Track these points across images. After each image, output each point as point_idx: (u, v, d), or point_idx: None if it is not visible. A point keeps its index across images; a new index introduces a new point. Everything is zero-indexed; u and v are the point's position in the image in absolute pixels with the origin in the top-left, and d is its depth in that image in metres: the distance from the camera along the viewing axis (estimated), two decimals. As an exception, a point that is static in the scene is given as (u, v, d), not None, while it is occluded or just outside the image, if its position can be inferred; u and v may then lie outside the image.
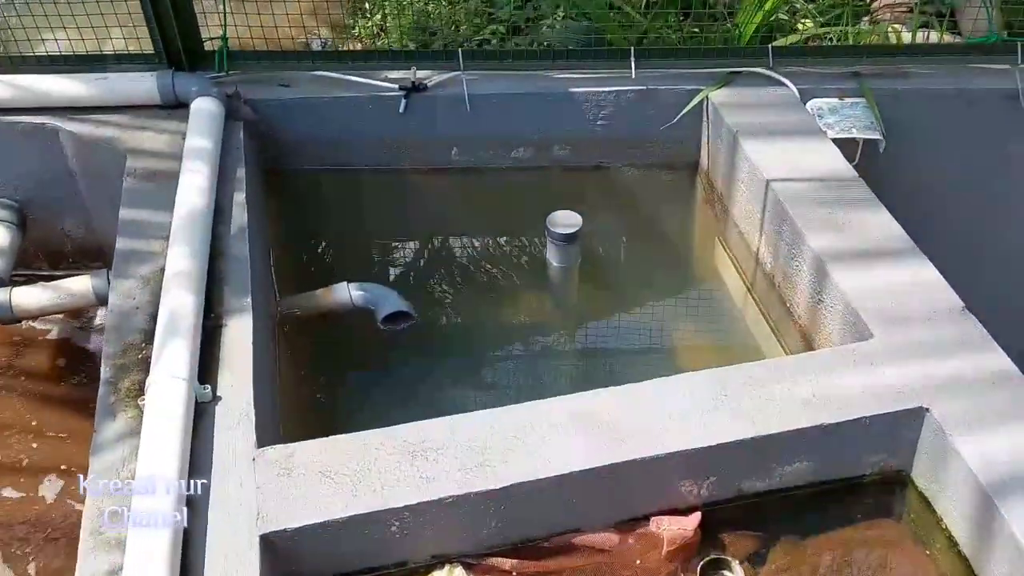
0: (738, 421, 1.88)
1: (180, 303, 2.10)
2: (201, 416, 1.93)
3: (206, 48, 3.02)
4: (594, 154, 3.19)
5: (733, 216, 2.91)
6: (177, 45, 2.94)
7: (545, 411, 1.91)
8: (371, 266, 3.17)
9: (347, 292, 2.68)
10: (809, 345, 2.45)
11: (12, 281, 2.85)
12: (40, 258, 3.32)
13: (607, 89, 3.01)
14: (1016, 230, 3.24)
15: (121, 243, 2.41)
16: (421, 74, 3.03)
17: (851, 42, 3.15)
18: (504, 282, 3.09)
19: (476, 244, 3.24)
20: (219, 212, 2.50)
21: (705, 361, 2.80)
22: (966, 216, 3.18)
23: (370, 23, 3.76)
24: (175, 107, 2.95)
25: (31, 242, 3.17)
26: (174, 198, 2.48)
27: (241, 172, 2.68)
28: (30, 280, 3.02)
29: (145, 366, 2.05)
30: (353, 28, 3.74)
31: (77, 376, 2.97)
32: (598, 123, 3.09)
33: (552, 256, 2.79)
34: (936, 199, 3.07)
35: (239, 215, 2.51)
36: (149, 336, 2.13)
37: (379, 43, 3.67)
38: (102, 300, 2.79)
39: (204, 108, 2.77)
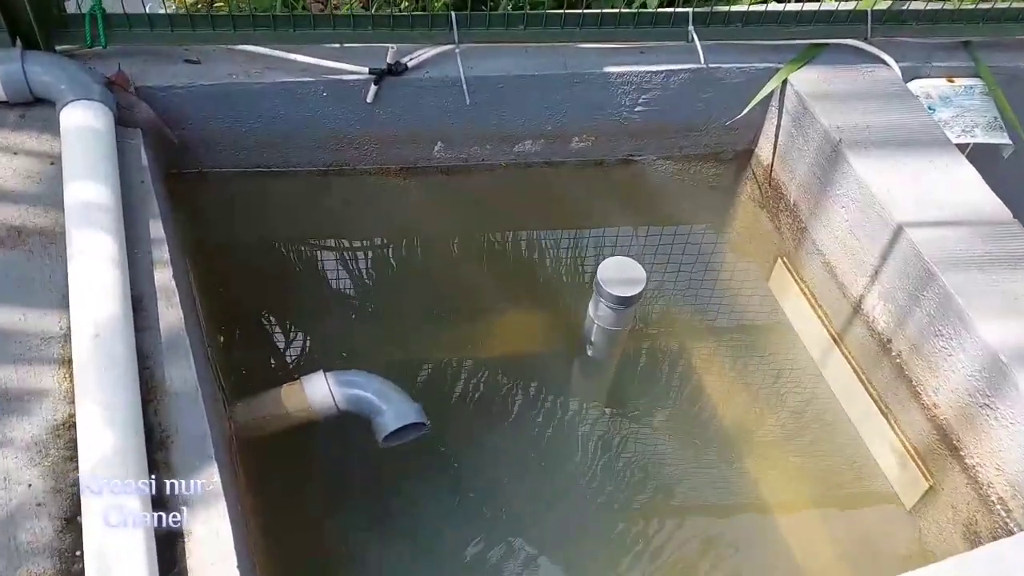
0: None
1: (116, 526, 1.38)
2: None
3: (68, 11, 2.09)
4: (623, 146, 2.53)
5: (816, 240, 2.35)
6: (23, 4, 2.00)
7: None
8: (333, 319, 2.44)
9: (327, 388, 1.98)
10: (950, 444, 1.98)
11: None
12: None
13: (655, 69, 2.32)
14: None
15: (-15, 373, 1.62)
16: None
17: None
18: (528, 343, 2.45)
19: (472, 273, 2.57)
20: (139, 308, 1.73)
21: (790, 448, 2.33)
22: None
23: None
24: (30, 104, 2.06)
25: None
26: (60, 278, 1.72)
27: (157, 227, 1.88)
28: None
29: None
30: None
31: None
32: (636, 109, 2.41)
33: (599, 316, 2.17)
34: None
35: (169, 311, 1.74)
36: (62, 559, 1.43)
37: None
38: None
39: (85, 124, 1.91)
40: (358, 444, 2.08)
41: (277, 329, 2.46)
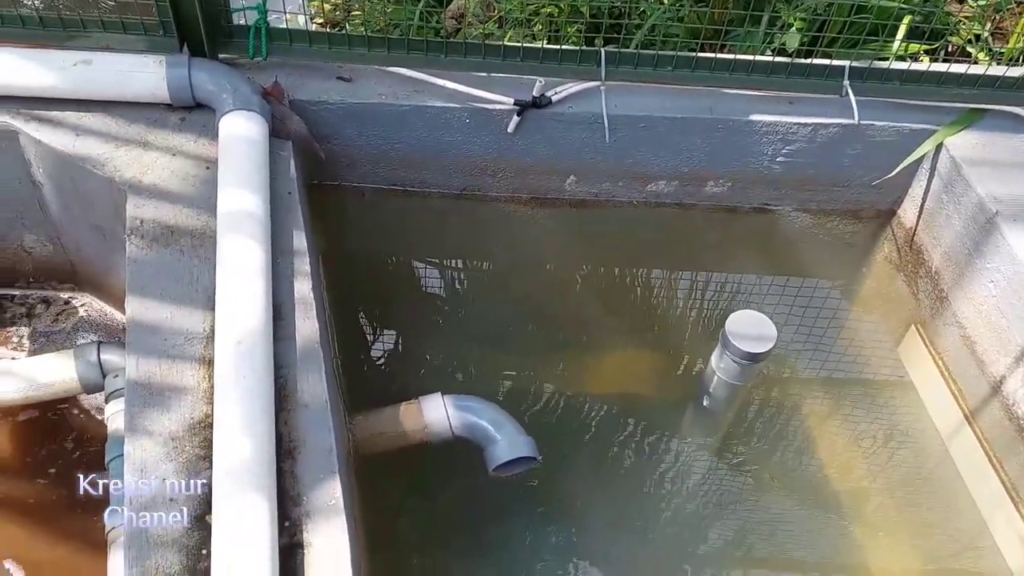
0: None
1: (244, 532, 1.45)
2: None
3: (234, 20, 2.21)
4: (759, 194, 2.51)
5: (956, 312, 2.28)
6: (195, 13, 2.12)
7: None
8: (450, 340, 2.49)
9: (444, 412, 2.03)
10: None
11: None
12: (-12, 273, 2.60)
13: (803, 121, 2.30)
14: None
15: (134, 365, 1.72)
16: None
17: None
18: (640, 385, 2.45)
19: (592, 308, 2.58)
20: (278, 316, 1.81)
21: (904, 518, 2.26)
22: None
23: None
24: (190, 108, 2.18)
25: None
26: (207, 279, 1.82)
27: (301, 239, 1.96)
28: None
29: (190, 620, 1.43)
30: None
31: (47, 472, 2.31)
32: (778, 159, 2.39)
33: (722, 369, 2.15)
34: None
35: (305, 323, 1.82)
36: (190, 556, 1.50)
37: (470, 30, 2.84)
38: (91, 388, 2.13)
39: (242, 134, 2.01)
40: (460, 470, 2.12)
41: (394, 345, 2.52)
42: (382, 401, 2.12)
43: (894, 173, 2.34)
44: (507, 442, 1.99)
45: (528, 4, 2.71)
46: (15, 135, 2.14)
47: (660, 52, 2.26)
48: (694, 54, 2.26)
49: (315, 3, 2.81)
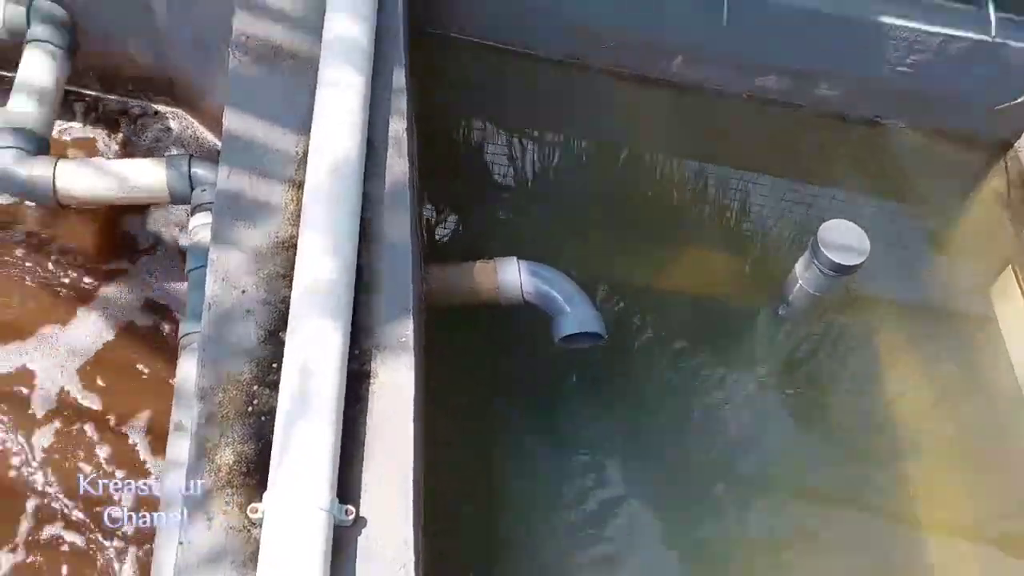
0: None
1: (317, 352, 1.46)
2: (336, 551, 1.36)
3: None
4: (871, 104, 2.38)
5: (1059, 256, 2.17)
6: None
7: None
8: (528, 209, 2.44)
9: (517, 275, 2.01)
10: None
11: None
12: (91, 77, 2.61)
13: (933, 30, 2.15)
14: None
15: (225, 176, 1.71)
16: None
17: None
18: (715, 285, 2.38)
19: (678, 199, 2.50)
20: (371, 151, 1.78)
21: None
22: None
23: None
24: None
25: (82, 58, 2.43)
26: (307, 102, 1.78)
27: (400, 77, 1.91)
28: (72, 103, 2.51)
29: (252, 427, 1.46)
30: None
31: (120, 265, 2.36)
32: (899, 68, 2.26)
33: (808, 280, 2.08)
34: None
35: (397, 161, 1.79)
36: (260, 367, 1.52)
37: None
38: (178, 198, 2.15)
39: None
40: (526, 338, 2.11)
41: (474, 206, 2.48)
42: (455, 258, 2.10)
43: (1022, 99, 2.19)
44: (577, 315, 1.97)
45: None
46: (130, -65, 2.10)
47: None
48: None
49: None
